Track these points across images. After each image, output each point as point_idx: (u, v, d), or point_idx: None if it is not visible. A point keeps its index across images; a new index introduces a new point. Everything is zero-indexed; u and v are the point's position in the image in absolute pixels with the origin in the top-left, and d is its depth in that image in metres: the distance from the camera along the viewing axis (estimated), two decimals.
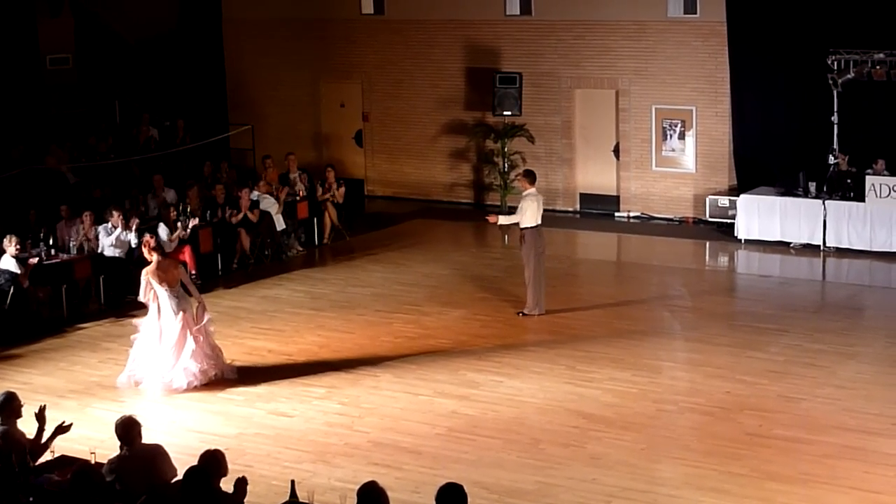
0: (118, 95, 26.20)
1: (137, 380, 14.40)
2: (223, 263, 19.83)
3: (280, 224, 20.85)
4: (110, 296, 18.18)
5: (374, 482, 8.11)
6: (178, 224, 18.81)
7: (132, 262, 18.13)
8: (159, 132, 24.81)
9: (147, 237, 15.02)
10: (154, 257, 14.40)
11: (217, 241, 19.62)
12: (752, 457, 12.05)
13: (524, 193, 17.14)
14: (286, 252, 21.05)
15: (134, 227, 18.24)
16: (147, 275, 14.33)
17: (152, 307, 14.40)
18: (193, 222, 19.12)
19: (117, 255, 18.22)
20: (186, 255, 18.67)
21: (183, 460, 9.58)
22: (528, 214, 16.91)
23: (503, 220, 17.79)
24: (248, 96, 27.27)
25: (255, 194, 20.53)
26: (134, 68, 26.77)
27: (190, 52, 27.23)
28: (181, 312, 14.27)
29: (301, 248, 21.42)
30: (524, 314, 17.01)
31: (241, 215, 20.05)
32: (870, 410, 13.21)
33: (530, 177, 17.42)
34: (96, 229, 18.31)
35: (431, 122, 25.57)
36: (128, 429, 9.57)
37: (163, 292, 14.30)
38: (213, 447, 9.20)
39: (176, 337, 14.28)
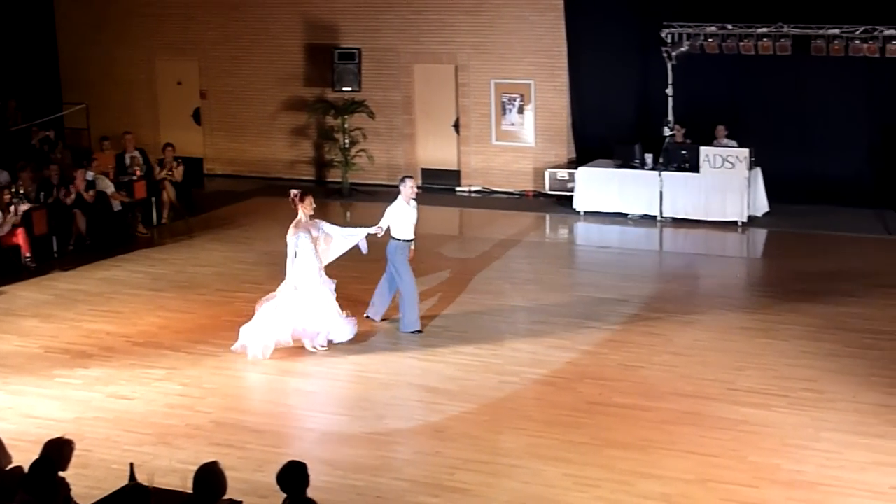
0: None
1: None
2: (59, 245, 19.39)
3: (116, 205, 20.48)
4: None
5: (214, 462, 8.01)
6: (11, 208, 18.37)
7: None
8: None
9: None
10: None
11: (52, 222, 19.19)
12: (592, 425, 12.23)
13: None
14: (124, 233, 20.68)
15: None
16: None
17: None
18: (24, 207, 18.68)
19: None
20: (20, 237, 18.29)
21: (19, 447, 9.38)
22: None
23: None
24: (82, 75, 26.69)
25: (90, 174, 20.13)
26: None
27: (20, 29, 26.49)
28: None
29: (145, 230, 21.01)
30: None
31: (73, 196, 19.63)
32: (706, 376, 13.50)
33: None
34: None
35: (271, 99, 25.34)
36: None
37: None
38: (57, 435, 8.96)
39: None
